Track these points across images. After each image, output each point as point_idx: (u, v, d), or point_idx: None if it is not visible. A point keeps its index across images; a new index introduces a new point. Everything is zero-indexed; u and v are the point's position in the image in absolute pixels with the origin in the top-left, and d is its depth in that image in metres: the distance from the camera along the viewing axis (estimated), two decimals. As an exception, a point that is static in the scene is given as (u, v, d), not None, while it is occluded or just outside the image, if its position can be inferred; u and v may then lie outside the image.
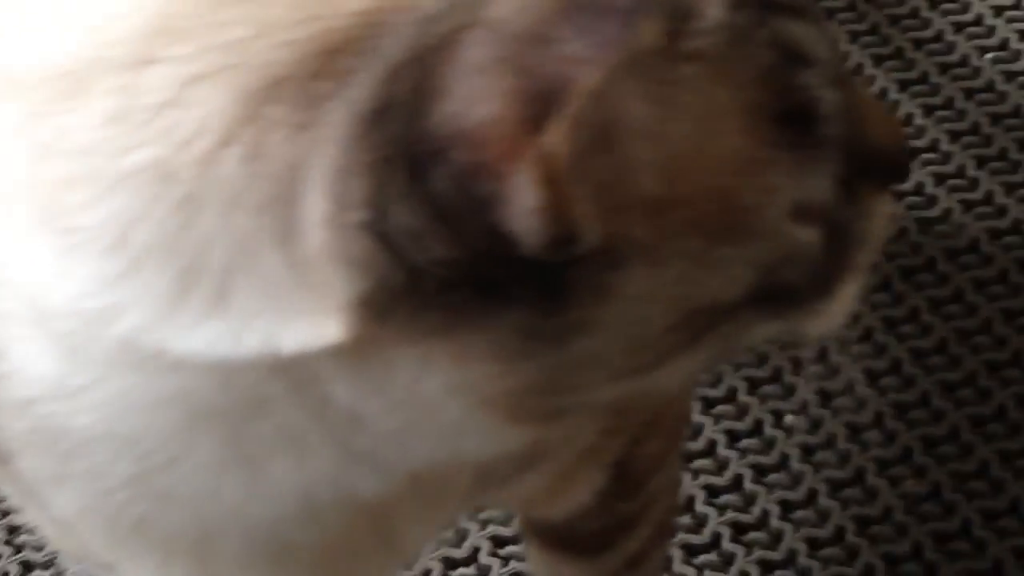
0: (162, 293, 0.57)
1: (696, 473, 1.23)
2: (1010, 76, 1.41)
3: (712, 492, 1.22)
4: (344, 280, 0.55)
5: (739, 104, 0.58)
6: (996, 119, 1.38)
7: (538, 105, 0.52)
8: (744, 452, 1.24)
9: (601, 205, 0.56)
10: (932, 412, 1.23)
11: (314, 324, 0.56)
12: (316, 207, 0.55)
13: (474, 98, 0.53)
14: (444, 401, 0.59)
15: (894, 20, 1.46)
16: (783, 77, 0.60)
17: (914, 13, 1.47)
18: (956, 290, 1.29)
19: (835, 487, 1.21)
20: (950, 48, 1.44)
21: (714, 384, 1.27)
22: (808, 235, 0.61)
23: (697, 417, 1.25)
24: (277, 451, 0.61)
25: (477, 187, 0.54)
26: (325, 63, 0.55)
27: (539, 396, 0.59)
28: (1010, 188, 1.34)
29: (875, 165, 0.66)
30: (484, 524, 1.21)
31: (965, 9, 1.46)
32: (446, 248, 0.55)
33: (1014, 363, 1.24)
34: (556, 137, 0.53)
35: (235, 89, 0.56)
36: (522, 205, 0.54)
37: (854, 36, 1.45)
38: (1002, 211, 1.33)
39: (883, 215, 0.67)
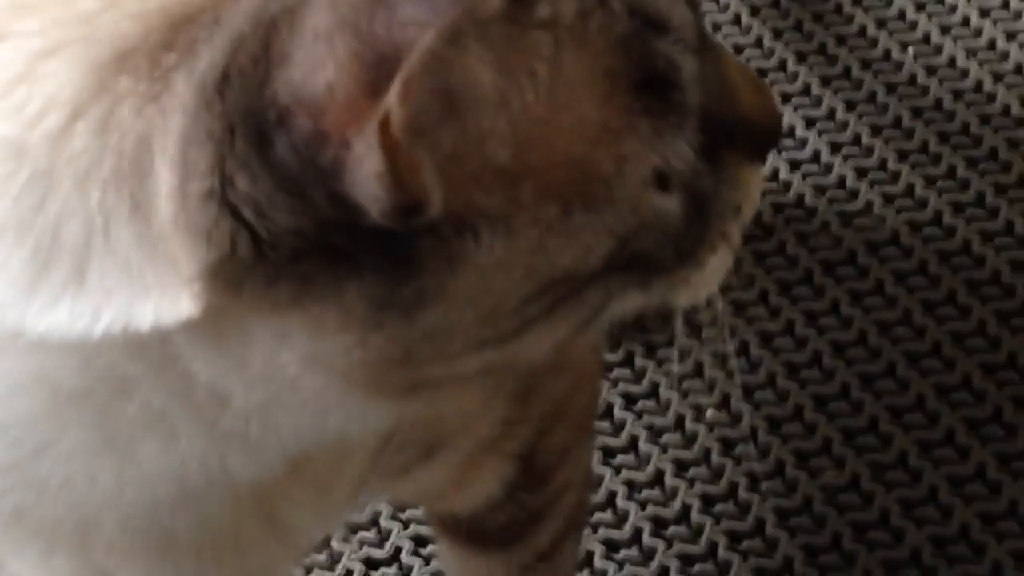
0: (19, 272, 0.57)
1: (618, 469, 1.23)
2: (932, 70, 1.42)
3: (633, 487, 1.22)
4: (192, 252, 0.55)
5: (594, 72, 0.59)
6: (917, 113, 1.39)
7: (377, 70, 0.53)
8: (665, 447, 1.24)
9: (448, 173, 0.56)
10: (851, 403, 1.23)
11: (167, 299, 0.56)
12: (164, 179, 0.55)
13: (314, 65, 0.53)
14: (303, 375, 0.59)
15: (817, 17, 1.47)
16: (639, 44, 0.60)
17: (838, 9, 1.47)
18: (876, 282, 1.29)
19: (755, 480, 1.21)
20: (873, 43, 1.44)
21: (636, 380, 1.27)
22: (668, 203, 0.61)
23: (619, 413, 1.26)
24: (145, 433, 0.61)
25: (320, 155, 0.54)
26: (172, 35, 0.56)
27: (397, 368, 0.59)
28: (930, 181, 1.35)
29: (743, 134, 0.66)
30: (406, 524, 1.21)
31: (888, 5, 1.47)
32: (291, 217, 0.55)
33: (933, 354, 1.25)
34: (394, 101, 0.53)
35: (83, 62, 0.56)
36: (364, 171, 0.54)
37: (778, 33, 1.46)
38: (922, 203, 1.33)
39: (752, 184, 0.67)
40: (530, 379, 0.85)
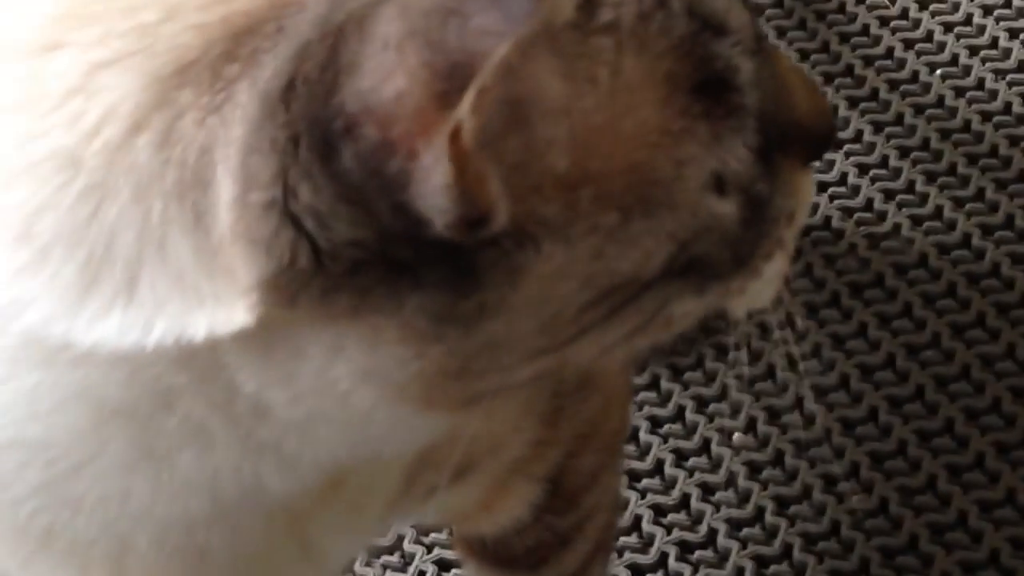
0: (69, 283, 0.57)
1: (644, 493, 1.23)
2: (960, 92, 1.41)
3: (659, 511, 1.22)
4: (250, 262, 0.55)
5: (654, 76, 0.58)
6: (945, 134, 1.39)
7: (449, 80, 0.52)
8: (691, 471, 1.24)
9: (511, 184, 0.55)
10: (879, 427, 1.23)
11: (222, 310, 0.56)
12: (225, 189, 0.55)
13: (385, 74, 0.53)
14: (355, 388, 0.58)
15: (844, 38, 1.47)
16: (698, 47, 0.60)
17: (864, 30, 1.47)
18: (905, 305, 1.29)
19: (782, 504, 1.21)
20: (900, 65, 1.44)
21: (662, 403, 1.27)
22: (725, 207, 0.61)
23: (645, 436, 1.26)
24: (182, 445, 0.60)
25: (386, 165, 0.53)
26: (233, 45, 0.55)
27: (453, 380, 0.59)
28: (959, 203, 1.34)
29: (797, 139, 0.65)
30: (430, 548, 1.21)
31: (915, 26, 1.46)
32: (353, 228, 0.55)
33: (962, 377, 1.24)
34: (466, 111, 0.53)
35: (144, 74, 0.56)
36: (432, 183, 0.53)
37: (805, 54, 1.46)
38: (951, 226, 1.33)
39: (805, 190, 0.67)
40: (560, 401, 0.85)
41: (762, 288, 0.66)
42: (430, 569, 1.20)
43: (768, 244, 0.64)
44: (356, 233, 0.55)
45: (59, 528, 0.64)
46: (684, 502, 1.22)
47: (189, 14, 0.56)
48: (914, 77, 1.43)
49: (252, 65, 0.55)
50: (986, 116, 1.39)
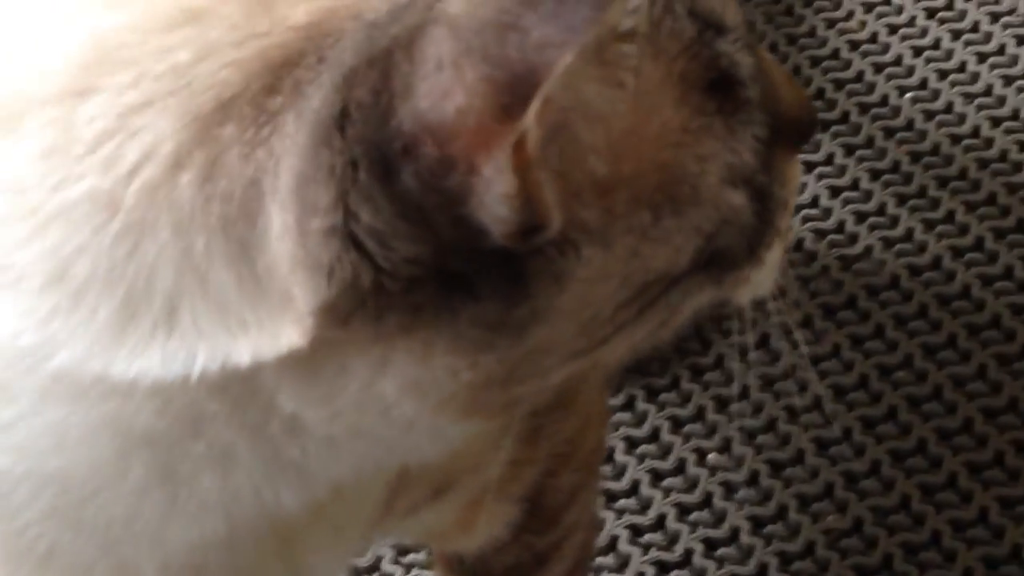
0: (106, 321, 0.58)
1: (620, 513, 1.25)
2: (929, 115, 1.44)
3: (636, 531, 1.24)
4: (312, 287, 0.57)
5: (670, 77, 0.61)
6: (915, 157, 1.41)
7: (511, 93, 0.54)
8: (667, 491, 1.26)
9: (559, 191, 0.58)
10: (854, 447, 1.25)
11: (266, 335, 0.57)
12: (277, 219, 0.57)
13: (443, 92, 0.54)
14: (398, 401, 0.60)
15: (815, 61, 1.49)
16: (705, 47, 0.62)
17: (835, 54, 1.50)
18: (876, 326, 1.31)
19: (758, 524, 1.22)
20: (870, 88, 1.47)
21: (638, 424, 1.29)
22: (740, 199, 0.64)
23: (621, 457, 1.27)
24: (205, 469, 0.62)
25: (446, 180, 0.55)
26: (274, 79, 0.57)
27: (498, 387, 0.61)
28: (929, 225, 1.37)
29: (786, 129, 0.68)
30: (408, 568, 1.22)
31: (885, 50, 1.49)
32: (412, 245, 0.56)
33: (934, 397, 1.27)
34: (532, 121, 0.54)
35: (183, 114, 0.57)
36: (494, 193, 0.55)
37: (776, 78, 1.48)
38: (922, 247, 1.35)
39: (795, 179, 0.70)
40: (538, 420, 0.86)
41: (764, 276, 0.69)
42: (408, 590, 1.21)
43: (771, 233, 0.67)
44: (415, 250, 0.56)
45: (59, 550, 0.65)
46: (660, 522, 1.24)
47: (225, 51, 0.57)
48: (884, 100, 1.46)
49: (296, 96, 0.56)
50: (955, 139, 1.41)
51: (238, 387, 0.59)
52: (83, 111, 0.58)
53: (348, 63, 0.56)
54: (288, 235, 0.56)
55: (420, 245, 0.56)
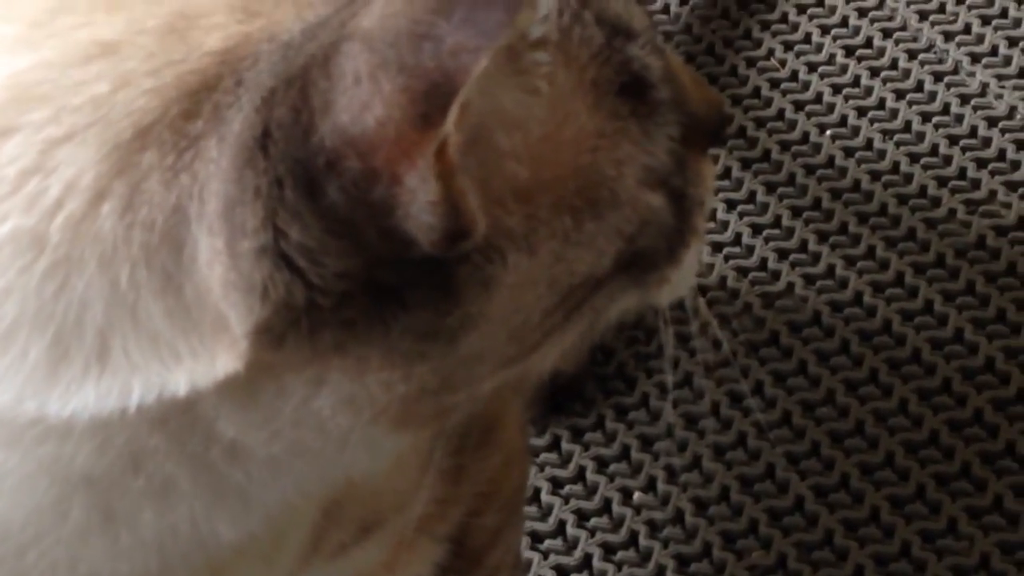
0: (37, 361, 0.59)
1: (546, 554, 1.27)
2: (849, 152, 1.48)
3: (561, 572, 1.26)
4: (245, 309, 0.58)
5: (583, 83, 0.64)
6: (836, 194, 1.45)
7: (428, 101, 0.56)
8: (593, 531, 1.28)
9: (482, 197, 0.60)
10: (777, 484, 1.28)
11: (201, 363, 0.59)
12: (205, 244, 0.58)
13: (362, 106, 0.56)
14: (333, 417, 0.62)
15: (737, 100, 1.53)
16: (615, 52, 0.65)
17: (756, 93, 1.53)
18: (799, 363, 1.35)
19: (683, 562, 1.25)
20: (791, 126, 1.50)
21: (563, 464, 1.32)
22: (657, 200, 0.66)
23: (547, 497, 1.30)
24: (145, 505, 0.63)
25: (372, 192, 0.57)
26: (192, 104, 0.58)
27: (431, 397, 0.63)
28: (850, 261, 1.40)
29: (697, 129, 0.71)
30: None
31: (805, 88, 1.53)
32: (341, 260, 0.58)
33: (857, 433, 1.30)
34: (451, 127, 0.56)
35: (102, 144, 0.58)
36: (419, 202, 0.57)
37: (698, 116, 1.52)
38: (843, 284, 1.39)
39: (709, 178, 0.72)
40: (461, 459, 0.89)
41: (683, 276, 0.71)
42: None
43: (687, 233, 0.70)
44: (345, 264, 0.58)
45: None
46: (586, 562, 1.27)
47: (141, 80, 0.59)
48: (805, 138, 1.49)
49: (217, 120, 0.58)
50: (875, 175, 1.45)
51: (177, 418, 0.60)
52: (4, 151, 0.59)
53: (266, 84, 0.57)
54: (219, 259, 0.58)
55: (350, 259, 0.58)
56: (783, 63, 1.55)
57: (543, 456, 1.32)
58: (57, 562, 0.64)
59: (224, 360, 0.59)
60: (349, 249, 0.58)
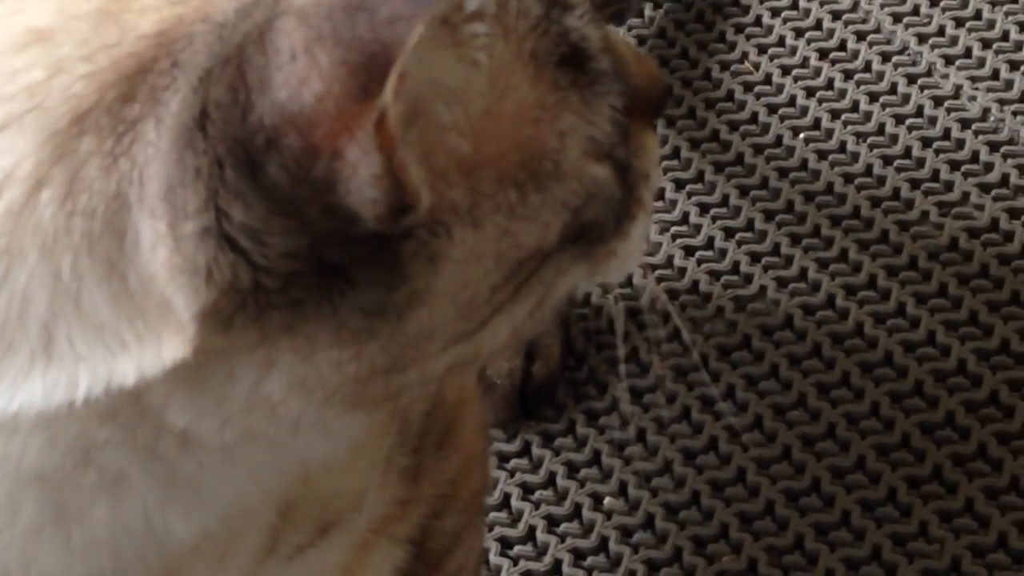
0: None
1: (516, 560, 1.29)
2: (823, 155, 1.49)
3: (531, 577, 1.28)
4: (190, 292, 0.58)
5: (522, 55, 0.65)
6: (809, 197, 1.46)
7: (367, 72, 0.56)
8: (563, 536, 1.29)
9: (425, 171, 0.60)
10: (748, 488, 1.29)
11: (148, 350, 0.59)
12: (148, 229, 0.58)
13: (299, 81, 0.57)
14: (284, 400, 0.62)
15: (710, 104, 1.55)
16: (553, 23, 0.66)
17: (730, 96, 1.55)
18: (771, 366, 1.36)
19: (653, 567, 1.27)
20: (764, 129, 1.52)
21: (534, 470, 1.33)
22: (602, 171, 0.67)
23: (517, 503, 1.31)
24: (96, 500, 0.63)
25: (313, 169, 0.58)
26: (129, 87, 0.59)
27: (381, 377, 0.63)
28: (822, 264, 1.42)
29: (638, 101, 0.72)
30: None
31: (779, 91, 1.54)
32: (285, 239, 0.58)
33: (828, 436, 1.31)
34: (390, 98, 0.57)
35: (39, 132, 0.58)
36: (361, 176, 0.58)
37: (671, 120, 1.53)
38: (815, 287, 1.40)
39: (654, 151, 0.73)
40: (420, 458, 0.90)
41: (631, 250, 0.72)
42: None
43: (633, 205, 0.70)
44: (290, 243, 0.59)
45: None
46: (556, 568, 1.28)
47: (76, 65, 0.59)
48: (778, 141, 1.51)
49: (154, 103, 0.58)
50: (848, 178, 1.47)
51: (126, 409, 0.61)
52: None
53: (202, 64, 0.58)
54: (162, 243, 0.58)
55: (294, 238, 0.59)
56: (757, 66, 1.57)
57: (513, 462, 1.34)
58: (9, 566, 0.65)
59: (171, 346, 0.59)
60: (293, 228, 0.59)
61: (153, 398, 0.61)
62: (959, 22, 1.56)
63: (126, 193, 0.58)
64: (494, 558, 1.29)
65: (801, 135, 1.51)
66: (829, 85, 1.54)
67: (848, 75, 1.54)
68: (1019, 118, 1.48)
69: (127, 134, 0.58)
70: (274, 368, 0.61)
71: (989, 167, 1.46)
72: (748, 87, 1.55)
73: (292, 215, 0.58)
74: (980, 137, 1.48)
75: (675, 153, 1.51)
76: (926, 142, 1.48)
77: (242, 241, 0.58)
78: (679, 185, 1.49)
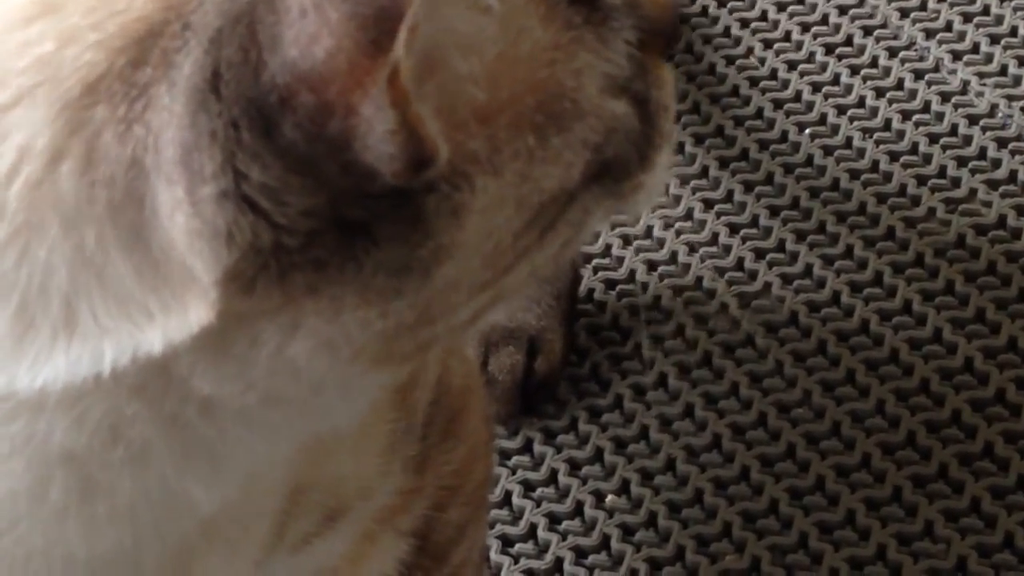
0: (2, 335, 0.60)
1: (517, 558, 1.30)
2: (828, 150, 1.51)
3: None
4: (208, 258, 0.59)
5: None
6: (814, 193, 1.48)
7: (377, 26, 0.57)
8: (565, 534, 1.31)
9: (442, 123, 0.61)
10: (751, 486, 1.31)
11: (177, 318, 0.60)
12: (165, 195, 0.59)
13: (310, 38, 0.57)
14: (309, 361, 0.63)
15: (714, 99, 1.57)
16: None
17: (735, 91, 1.57)
18: (776, 363, 1.38)
19: (656, 566, 1.28)
20: (770, 125, 1.54)
21: (535, 467, 1.35)
22: (621, 107, 0.68)
23: (518, 501, 1.33)
24: (123, 475, 0.64)
25: (328, 126, 0.58)
26: (140, 52, 0.59)
27: (408, 332, 0.64)
28: (828, 261, 1.44)
29: (652, 34, 0.72)
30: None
31: (784, 86, 1.56)
32: (307, 197, 0.59)
33: (833, 434, 1.33)
34: (402, 51, 0.58)
35: (52, 104, 0.59)
36: (376, 132, 0.58)
37: (676, 116, 1.55)
38: (821, 284, 1.43)
39: (669, 82, 0.74)
40: (426, 447, 0.92)
41: (657, 180, 0.72)
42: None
43: (655, 136, 0.71)
44: (309, 202, 0.59)
45: None
46: (557, 566, 1.29)
47: (85, 34, 0.60)
48: (783, 137, 1.53)
49: (166, 66, 0.59)
50: (854, 174, 1.49)
51: (153, 381, 0.61)
52: None
53: (213, 25, 0.59)
54: (180, 208, 0.59)
55: (313, 196, 0.59)
56: (762, 61, 1.59)
57: (515, 459, 1.36)
58: (32, 550, 0.65)
59: (197, 312, 0.60)
60: (311, 186, 0.59)
61: (179, 367, 0.62)
62: (967, 17, 1.58)
63: (142, 160, 0.59)
64: (495, 556, 1.30)
65: (807, 131, 1.53)
66: (835, 80, 1.56)
67: (855, 70, 1.56)
68: (1027, 114, 1.51)
69: (140, 99, 0.59)
70: (298, 330, 0.62)
71: (997, 163, 1.48)
72: (753, 82, 1.57)
73: (310, 173, 0.59)
74: (988, 133, 1.50)
75: (679, 148, 1.53)
76: (933, 138, 1.50)
77: (261, 201, 0.59)
78: (683, 181, 1.51)
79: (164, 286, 0.60)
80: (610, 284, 1.45)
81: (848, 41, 1.58)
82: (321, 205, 0.60)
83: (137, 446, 0.63)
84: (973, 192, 1.46)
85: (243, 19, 0.58)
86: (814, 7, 1.61)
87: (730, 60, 1.59)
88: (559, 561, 1.30)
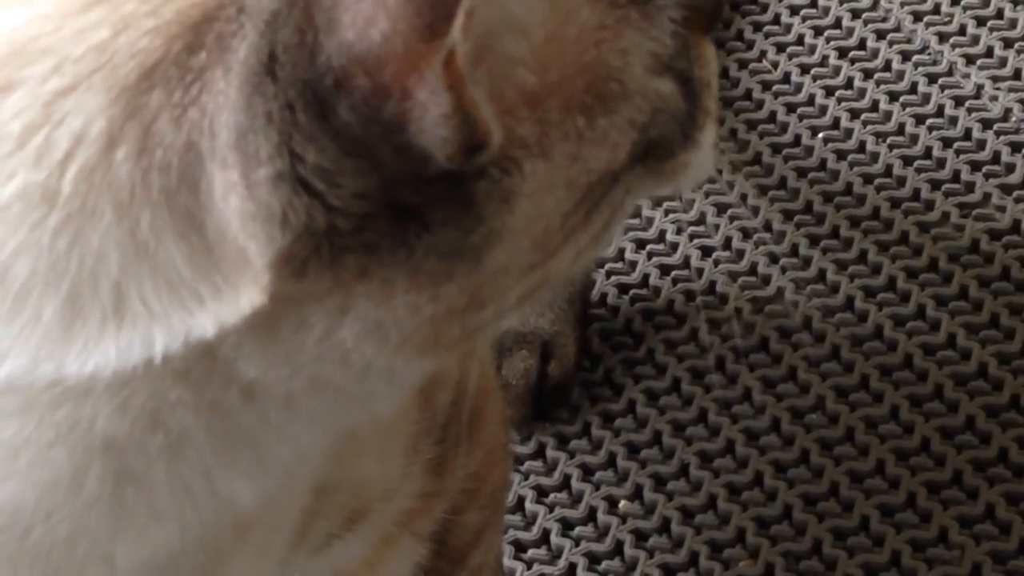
0: (51, 320, 0.61)
1: (530, 564, 1.32)
2: (842, 155, 1.53)
3: (545, 581, 1.32)
4: (261, 240, 0.60)
5: None
6: (828, 197, 1.50)
7: (433, 11, 0.58)
8: (577, 540, 1.33)
9: (494, 107, 0.62)
10: (765, 492, 1.33)
11: (228, 301, 0.61)
12: (220, 178, 0.60)
13: (366, 21, 0.58)
14: (357, 346, 0.64)
15: (728, 103, 1.58)
16: None
17: (748, 95, 1.59)
18: (789, 368, 1.40)
19: (669, 572, 1.30)
20: (783, 128, 1.56)
21: (548, 472, 1.37)
22: (666, 86, 0.69)
23: (531, 506, 1.35)
24: (158, 464, 0.64)
25: (383, 109, 0.60)
26: (195, 36, 0.61)
27: (458, 316, 0.65)
28: (842, 266, 1.46)
29: (695, 11, 0.73)
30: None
31: (798, 90, 1.58)
32: (361, 180, 0.60)
33: (847, 440, 1.35)
34: (458, 36, 0.59)
35: (108, 89, 0.60)
36: (431, 115, 0.59)
37: (687, 118, 1.57)
38: (834, 288, 1.44)
39: (712, 60, 0.75)
40: (444, 450, 0.93)
41: (703, 158, 0.73)
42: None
43: (700, 115, 0.72)
44: (363, 184, 0.61)
45: None
46: (570, 572, 1.31)
47: (142, 21, 0.61)
48: (797, 141, 1.55)
49: (221, 50, 0.60)
50: (867, 178, 1.51)
51: (199, 365, 0.62)
52: (6, 107, 0.61)
53: (269, 8, 0.60)
54: (234, 191, 0.60)
55: (367, 179, 0.61)
56: (775, 65, 1.61)
57: (528, 464, 1.37)
58: (56, 542, 0.66)
59: (248, 295, 0.61)
60: (365, 168, 0.61)
61: (226, 350, 0.63)
62: (980, 21, 1.60)
63: (198, 144, 0.60)
64: (508, 561, 1.32)
65: (820, 135, 1.55)
66: (848, 84, 1.58)
67: (868, 74, 1.58)
68: (1042, 119, 1.52)
69: (195, 83, 0.60)
70: (348, 314, 0.63)
71: (1011, 168, 1.50)
72: (767, 86, 1.59)
73: (364, 155, 0.60)
74: (1001, 137, 1.51)
75: (691, 152, 1.54)
76: (947, 142, 1.52)
77: (316, 183, 0.60)
78: (696, 186, 1.52)
79: (216, 270, 0.61)
80: (623, 289, 1.47)
81: (861, 45, 1.60)
82: (374, 188, 0.61)
83: (175, 434, 0.64)
84: (987, 197, 1.48)
85: (299, 2, 0.59)
86: (827, 11, 1.63)
87: (743, 64, 1.61)
88: (572, 567, 1.32)
